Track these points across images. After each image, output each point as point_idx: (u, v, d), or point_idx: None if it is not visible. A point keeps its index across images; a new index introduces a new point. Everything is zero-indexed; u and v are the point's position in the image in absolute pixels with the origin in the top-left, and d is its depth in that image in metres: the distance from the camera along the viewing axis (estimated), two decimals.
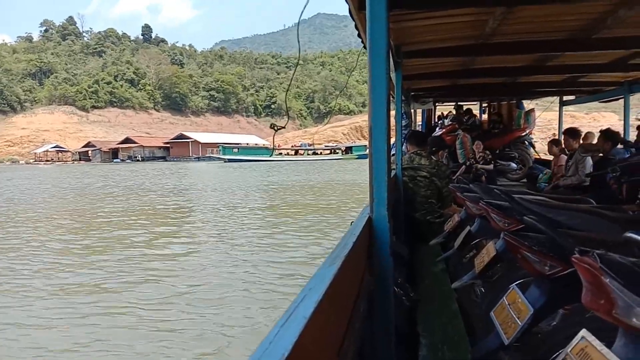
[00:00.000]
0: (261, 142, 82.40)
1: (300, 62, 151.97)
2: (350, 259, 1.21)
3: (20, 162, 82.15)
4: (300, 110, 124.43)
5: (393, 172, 4.92)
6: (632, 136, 7.82)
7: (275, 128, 4.03)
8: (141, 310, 6.06)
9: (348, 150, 66.58)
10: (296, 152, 68.72)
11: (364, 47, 3.83)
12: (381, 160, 1.82)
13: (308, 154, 67.65)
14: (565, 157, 6.96)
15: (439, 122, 12.27)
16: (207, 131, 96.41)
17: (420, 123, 13.55)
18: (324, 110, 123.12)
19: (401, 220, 4.69)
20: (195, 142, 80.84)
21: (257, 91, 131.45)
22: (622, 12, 4.00)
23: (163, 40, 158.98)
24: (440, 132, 10.41)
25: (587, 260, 1.15)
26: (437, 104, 12.89)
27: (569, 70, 6.85)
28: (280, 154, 68.42)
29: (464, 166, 8.31)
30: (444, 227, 4.16)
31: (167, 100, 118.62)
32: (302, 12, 2.61)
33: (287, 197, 18.80)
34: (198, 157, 77.03)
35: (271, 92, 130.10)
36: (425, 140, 5.66)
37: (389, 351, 1.84)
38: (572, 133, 6.99)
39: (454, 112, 12.07)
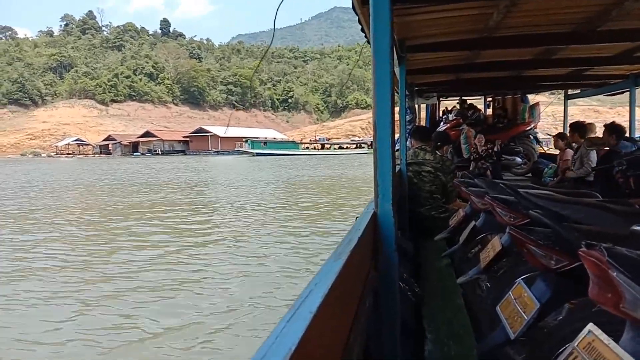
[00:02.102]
0: (279, 135, 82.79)
1: (317, 55, 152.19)
2: (355, 255, 1.20)
3: (42, 155, 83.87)
4: (317, 104, 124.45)
5: (397, 168, 4.92)
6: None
7: (235, 109, 4.00)
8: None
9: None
10: (322, 147, 69.88)
11: (368, 42, 3.82)
12: (386, 156, 1.81)
13: (334, 149, 68.53)
14: (571, 151, 6.93)
15: (443, 117, 12.23)
16: (224, 125, 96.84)
17: (424, 118, 13.50)
18: (341, 105, 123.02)
19: (406, 215, 4.69)
20: (215, 136, 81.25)
21: (274, 85, 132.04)
22: (628, 4, 3.97)
23: (181, 35, 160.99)
24: (445, 127, 10.37)
25: (594, 254, 1.14)
26: (441, 99, 12.85)
27: (574, 63, 6.80)
28: (307, 148, 69.33)
29: (473, 162, 8.27)
30: (448, 222, 4.15)
31: (185, 94, 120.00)
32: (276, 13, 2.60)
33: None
34: (217, 151, 77.44)
35: (288, 86, 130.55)
36: (430, 135, 5.64)
37: (395, 346, 1.85)
38: (578, 127, 6.95)
39: (458, 106, 12.02)
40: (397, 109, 5.21)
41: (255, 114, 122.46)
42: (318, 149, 69.44)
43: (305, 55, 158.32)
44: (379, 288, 1.77)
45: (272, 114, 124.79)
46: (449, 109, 12.94)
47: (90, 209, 15.04)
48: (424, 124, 12.35)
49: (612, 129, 5.84)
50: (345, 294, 1.08)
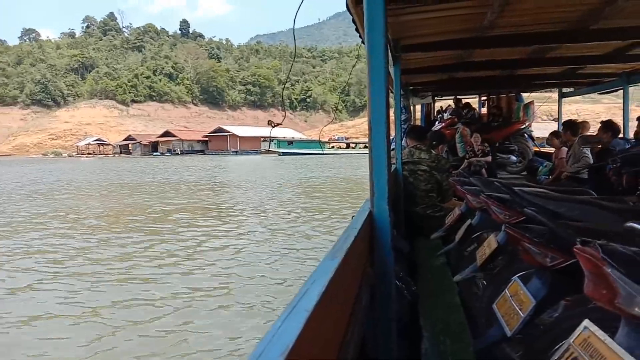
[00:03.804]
0: (297, 135, 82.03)
1: (336, 55, 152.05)
2: (351, 253, 1.21)
3: (63, 154, 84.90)
4: (336, 103, 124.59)
5: (393, 167, 4.92)
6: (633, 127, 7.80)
7: (272, 125, 4.06)
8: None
9: None
10: (348, 146, 70.13)
11: (363, 41, 3.83)
12: (381, 155, 1.82)
13: (360, 148, 68.97)
14: (566, 149, 6.96)
15: (438, 116, 12.26)
16: (243, 125, 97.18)
17: (419, 118, 13.53)
18: (360, 104, 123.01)
19: (402, 214, 4.69)
20: (233, 135, 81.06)
21: (292, 85, 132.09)
22: (621, 2, 4.00)
23: (200, 35, 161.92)
24: (440, 126, 10.40)
25: (589, 251, 1.15)
26: (436, 98, 12.88)
27: (568, 61, 6.83)
28: (333, 147, 69.59)
29: (466, 161, 8.30)
30: (444, 221, 4.16)
31: (204, 95, 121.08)
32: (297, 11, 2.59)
33: None
34: (236, 151, 77.24)
35: (306, 86, 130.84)
36: (425, 134, 5.65)
37: (391, 344, 1.85)
38: (570, 125, 6.98)
39: (453, 105, 12.06)
40: (392, 108, 5.22)
41: (274, 113, 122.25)
42: (343, 148, 69.59)
43: (324, 55, 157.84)
44: (376, 286, 1.77)
45: (290, 114, 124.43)
46: (444, 108, 12.97)
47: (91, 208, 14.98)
48: (420, 124, 12.38)
49: (608, 126, 5.87)
50: (341, 292, 1.08)
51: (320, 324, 0.81)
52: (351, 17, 3.67)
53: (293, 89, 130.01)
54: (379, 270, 1.78)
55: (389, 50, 4.65)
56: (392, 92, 5.49)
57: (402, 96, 7.40)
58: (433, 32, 4.85)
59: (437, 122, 11.29)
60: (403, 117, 7.77)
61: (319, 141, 71.09)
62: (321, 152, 63.41)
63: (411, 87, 9.34)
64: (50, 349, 4.98)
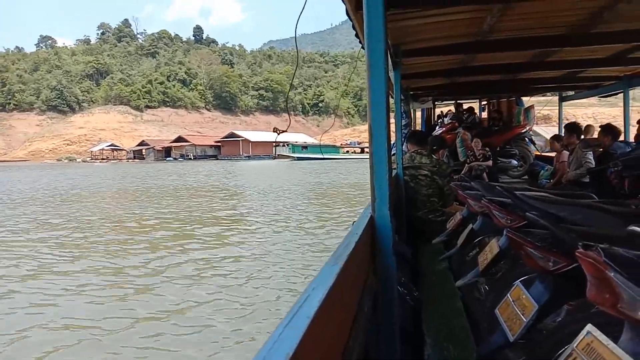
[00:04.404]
0: (310, 140, 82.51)
1: (348, 59, 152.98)
2: (353, 259, 1.20)
3: (77, 160, 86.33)
4: (348, 108, 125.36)
5: (394, 172, 4.92)
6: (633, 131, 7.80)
7: (278, 132, 4.09)
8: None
9: None
10: (362, 150, 70.40)
11: (362, 47, 3.84)
12: (382, 160, 1.82)
13: None
14: (567, 153, 6.95)
15: (439, 121, 12.28)
16: (256, 130, 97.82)
17: (420, 122, 13.55)
18: None
19: (403, 219, 4.69)
20: (246, 140, 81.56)
21: (304, 90, 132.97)
22: (621, 6, 4.00)
23: (214, 41, 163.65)
24: (441, 131, 10.41)
25: (591, 255, 1.14)
26: (436, 103, 12.92)
27: (568, 65, 6.83)
28: (347, 152, 69.80)
29: (467, 166, 8.30)
30: (446, 226, 4.16)
31: (217, 100, 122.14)
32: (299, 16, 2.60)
33: None
34: (248, 156, 77.74)
35: (319, 91, 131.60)
36: (426, 139, 5.66)
37: (394, 351, 1.84)
38: (574, 128, 6.97)
39: (454, 110, 12.07)
40: (392, 113, 5.22)
41: (286, 118, 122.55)
42: (358, 153, 69.84)
43: (336, 60, 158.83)
44: (378, 292, 1.76)
45: (303, 119, 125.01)
46: (444, 113, 13.00)
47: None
48: (420, 128, 12.40)
49: (608, 130, 5.87)
50: (343, 298, 1.08)
51: (322, 330, 0.80)
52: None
53: (305, 94, 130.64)
54: (381, 276, 1.78)
55: (389, 56, 4.65)
56: (392, 97, 5.49)
57: (403, 101, 7.40)
58: (433, 37, 4.86)
59: (437, 127, 11.30)
60: (404, 122, 7.77)
61: (334, 145, 71.43)
62: (336, 156, 63.74)
63: (412, 92, 9.34)
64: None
